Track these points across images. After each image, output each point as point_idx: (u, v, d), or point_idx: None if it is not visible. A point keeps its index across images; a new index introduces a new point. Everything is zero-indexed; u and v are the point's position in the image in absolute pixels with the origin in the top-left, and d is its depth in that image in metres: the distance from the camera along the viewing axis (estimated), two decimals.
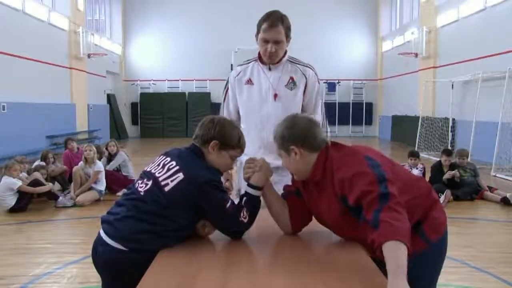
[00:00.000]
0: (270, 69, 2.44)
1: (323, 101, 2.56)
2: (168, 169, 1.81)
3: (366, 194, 1.52)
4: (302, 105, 2.49)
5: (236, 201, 1.87)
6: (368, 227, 1.47)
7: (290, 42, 2.43)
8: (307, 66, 2.49)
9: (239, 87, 2.52)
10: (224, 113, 2.60)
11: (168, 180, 1.77)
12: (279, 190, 2.00)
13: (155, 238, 1.74)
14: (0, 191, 5.73)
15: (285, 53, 2.44)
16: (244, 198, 1.87)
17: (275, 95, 2.42)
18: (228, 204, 1.79)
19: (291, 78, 2.43)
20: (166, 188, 1.76)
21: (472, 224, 5.40)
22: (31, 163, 7.43)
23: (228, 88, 2.59)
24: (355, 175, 1.58)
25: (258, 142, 2.44)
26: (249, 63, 2.54)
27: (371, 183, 1.53)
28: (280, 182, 2.16)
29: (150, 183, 1.81)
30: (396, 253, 1.35)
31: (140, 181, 1.87)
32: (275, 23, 2.27)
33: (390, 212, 1.45)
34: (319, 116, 2.50)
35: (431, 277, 1.81)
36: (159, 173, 1.82)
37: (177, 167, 1.80)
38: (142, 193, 1.80)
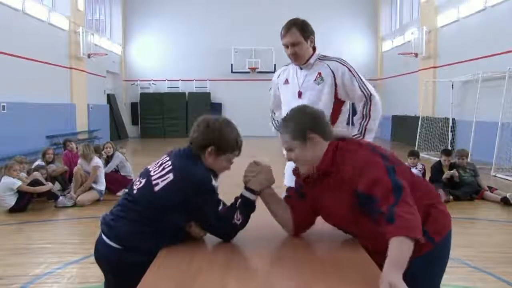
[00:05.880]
0: (301, 68, 2.67)
1: (362, 79, 2.60)
2: (163, 169, 1.80)
3: (378, 183, 1.56)
4: (341, 97, 2.62)
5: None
6: (382, 218, 1.50)
7: (314, 40, 2.62)
8: (334, 60, 2.63)
9: (280, 87, 2.83)
10: (271, 107, 3.02)
11: (159, 180, 1.76)
12: None
13: (150, 238, 1.74)
14: (0, 191, 5.74)
15: (314, 51, 2.63)
16: (239, 200, 1.86)
17: (299, 93, 2.65)
18: (220, 207, 1.79)
19: (319, 73, 2.61)
20: (156, 188, 1.75)
21: (472, 224, 5.40)
22: (31, 163, 7.43)
23: (272, 88, 2.96)
24: (367, 163, 1.63)
25: None
26: (288, 65, 2.80)
27: (382, 173, 1.58)
28: None
29: (143, 181, 1.82)
30: (402, 250, 1.41)
31: (137, 179, 1.88)
32: (289, 28, 2.52)
33: (405, 206, 1.50)
34: (362, 96, 2.58)
35: (436, 276, 1.81)
36: (154, 171, 1.83)
37: (170, 167, 1.78)
38: (135, 192, 1.82)
